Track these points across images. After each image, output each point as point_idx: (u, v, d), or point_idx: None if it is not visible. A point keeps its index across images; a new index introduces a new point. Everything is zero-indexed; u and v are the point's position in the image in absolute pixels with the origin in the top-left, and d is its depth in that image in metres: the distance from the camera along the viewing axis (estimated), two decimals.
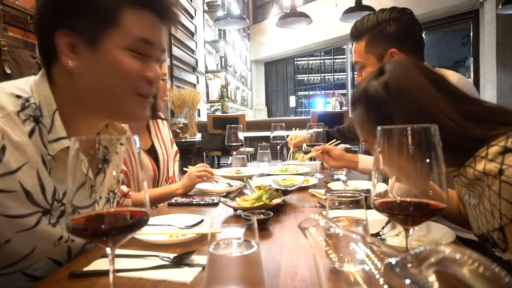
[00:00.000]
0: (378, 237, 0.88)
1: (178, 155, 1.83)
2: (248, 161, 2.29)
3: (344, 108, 9.08)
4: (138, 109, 0.80)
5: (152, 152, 1.66)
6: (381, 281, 0.39)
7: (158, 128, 1.76)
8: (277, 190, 1.22)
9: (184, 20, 5.28)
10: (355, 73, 7.22)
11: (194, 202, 1.32)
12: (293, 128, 2.28)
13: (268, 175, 1.83)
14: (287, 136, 2.24)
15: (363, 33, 1.37)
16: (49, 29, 0.73)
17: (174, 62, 4.86)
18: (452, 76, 1.25)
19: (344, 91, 9.81)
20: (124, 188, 1.39)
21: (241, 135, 1.96)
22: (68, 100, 0.78)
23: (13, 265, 0.74)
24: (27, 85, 0.77)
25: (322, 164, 2.21)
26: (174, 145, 1.81)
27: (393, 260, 0.39)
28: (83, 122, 0.81)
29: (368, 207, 0.63)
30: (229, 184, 1.62)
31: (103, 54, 0.73)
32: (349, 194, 0.68)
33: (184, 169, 1.67)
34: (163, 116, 1.77)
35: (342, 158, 1.63)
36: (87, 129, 0.83)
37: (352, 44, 1.49)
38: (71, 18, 0.72)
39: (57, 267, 0.80)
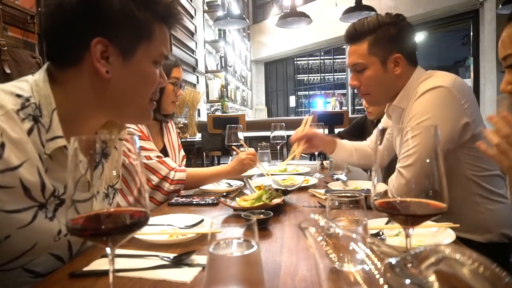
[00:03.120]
0: (378, 237, 0.88)
1: (184, 160, 1.86)
2: None
3: (344, 108, 9.08)
4: (149, 111, 0.88)
5: (163, 153, 1.68)
6: (381, 281, 0.39)
7: (169, 132, 1.81)
8: (277, 190, 1.22)
9: (184, 20, 5.28)
10: None
11: (194, 202, 1.32)
12: (306, 117, 1.77)
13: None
14: (288, 136, 2.15)
15: (365, 34, 1.35)
16: (83, 34, 0.74)
17: None
18: (446, 77, 1.25)
19: (344, 91, 9.81)
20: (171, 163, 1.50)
21: (241, 135, 1.96)
22: (73, 101, 0.79)
23: (14, 260, 0.74)
24: (27, 84, 0.77)
25: (322, 164, 2.21)
26: (182, 150, 1.85)
27: (393, 260, 0.39)
28: (85, 121, 0.83)
29: (368, 207, 0.63)
30: (229, 184, 1.62)
31: (135, 64, 0.79)
32: (349, 194, 0.67)
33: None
34: (167, 120, 1.78)
35: (320, 144, 1.69)
36: (87, 127, 0.84)
37: (348, 46, 1.43)
38: (109, 28, 0.75)
39: (59, 263, 0.80)
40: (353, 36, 1.38)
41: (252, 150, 1.65)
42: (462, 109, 1.20)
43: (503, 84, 0.87)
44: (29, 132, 0.72)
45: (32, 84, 0.77)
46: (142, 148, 1.47)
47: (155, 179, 1.45)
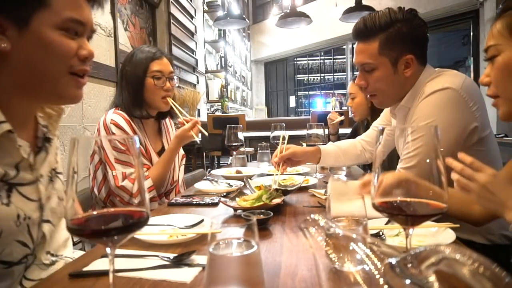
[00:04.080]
0: (378, 237, 0.88)
1: (184, 159, 1.84)
2: (248, 161, 2.29)
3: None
4: (73, 88, 0.81)
5: (162, 154, 1.67)
6: (381, 281, 0.39)
7: (168, 132, 1.80)
8: (277, 190, 1.22)
9: (184, 20, 5.28)
10: (355, 73, 7.20)
11: (194, 202, 1.32)
12: (281, 136, 1.62)
13: (268, 175, 1.83)
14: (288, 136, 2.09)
15: (376, 32, 1.25)
16: None
17: (174, 62, 4.85)
18: (455, 77, 1.20)
19: (344, 91, 9.80)
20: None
21: (241, 135, 1.96)
22: (1, 84, 0.77)
23: None
24: None
25: None
26: (181, 149, 1.82)
27: (393, 260, 0.39)
28: (19, 105, 0.81)
29: None
30: (229, 184, 1.62)
31: (34, 34, 0.74)
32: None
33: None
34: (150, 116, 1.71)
35: (302, 157, 1.63)
36: (23, 112, 0.83)
37: (354, 44, 1.36)
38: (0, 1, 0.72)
39: (26, 249, 0.79)
40: (362, 33, 1.29)
41: (194, 119, 1.64)
42: (470, 112, 1.15)
43: (482, 76, 0.88)
44: None
45: None
46: (119, 162, 1.46)
47: (126, 197, 1.45)
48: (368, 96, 1.38)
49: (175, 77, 1.68)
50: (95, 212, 0.54)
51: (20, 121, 0.81)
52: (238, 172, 1.88)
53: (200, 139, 4.31)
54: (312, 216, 0.50)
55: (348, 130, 2.93)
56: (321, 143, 1.83)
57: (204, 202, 1.31)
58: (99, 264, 0.76)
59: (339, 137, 2.71)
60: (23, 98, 0.80)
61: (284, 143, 1.59)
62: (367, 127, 2.21)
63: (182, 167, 1.83)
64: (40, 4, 0.74)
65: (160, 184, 1.60)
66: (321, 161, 1.69)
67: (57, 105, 0.94)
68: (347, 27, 1.36)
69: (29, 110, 0.85)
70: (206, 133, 1.67)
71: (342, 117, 2.53)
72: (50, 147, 0.89)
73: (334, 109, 9.08)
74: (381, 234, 0.89)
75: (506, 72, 0.81)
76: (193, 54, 5.72)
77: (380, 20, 1.26)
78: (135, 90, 1.59)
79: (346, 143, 1.78)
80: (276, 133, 2.09)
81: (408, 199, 0.60)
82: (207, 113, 6.17)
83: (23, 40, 0.74)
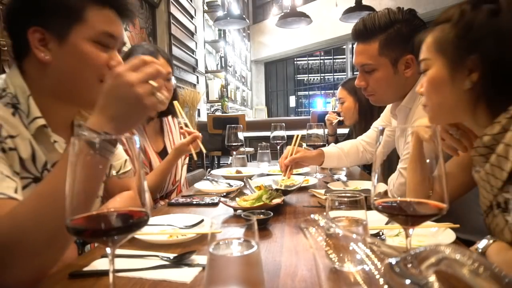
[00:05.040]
0: (378, 237, 0.88)
1: (187, 158, 1.83)
2: (248, 161, 2.29)
3: None
4: None
5: (163, 154, 1.66)
6: (381, 281, 0.39)
7: (171, 131, 1.78)
8: (277, 190, 1.22)
9: (184, 20, 5.28)
10: (355, 73, 7.21)
11: (194, 202, 1.32)
12: (295, 136, 1.68)
13: (268, 175, 1.83)
14: (288, 136, 2.07)
15: (376, 33, 1.26)
16: (22, 26, 0.81)
17: (174, 62, 4.86)
18: None
19: None
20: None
21: (241, 135, 1.96)
22: (40, 90, 0.85)
23: None
24: (1, 79, 0.85)
25: None
26: None
27: (393, 260, 0.39)
28: (57, 110, 0.89)
29: (368, 208, 0.63)
30: (229, 184, 1.62)
31: (71, 46, 0.82)
32: (349, 194, 0.67)
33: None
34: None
35: (307, 161, 1.67)
36: (61, 115, 0.91)
37: (353, 44, 1.36)
38: (41, 16, 0.81)
39: None
40: (362, 34, 1.29)
41: (195, 133, 1.63)
42: None
43: (418, 86, 0.92)
44: (13, 115, 0.79)
45: (5, 78, 0.84)
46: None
47: None
48: (366, 95, 1.39)
49: (172, 78, 1.64)
50: (95, 212, 0.54)
51: (59, 124, 0.89)
52: (238, 172, 1.88)
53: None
54: (312, 216, 0.50)
55: (346, 130, 2.93)
56: (321, 143, 1.83)
57: (204, 202, 1.31)
58: (99, 264, 0.76)
59: (337, 138, 2.71)
60: (61, 103, 0.89)
61: (296, 144, 1.62)
62: (361, 129, 2.22)
63: (185, 166, 1.82)
64: (78, 19, 0.82)
65: (153, 192, 1.59)
66: (325, 163, 1.71)
67: (90, 110, 0.98)
68: (347, 27, 1.36)
69: (67, 114, 0.93)
70: (204, 151, 1.65)
71: (341, 118, 2.53)
72: None
73: (334, 109, 9.08)
74: (381, 234, 0.89)
75: (431, 86, 0.85)
76: (193, 54, 5.73)
77: (380, 21, 1.26)
78: None
79: (347, 144, 1.79)
80: (276, 133, 2.09)
81: (408, 199, 0.60)
82: (207, 113, 6.17)
83: (62, 51, 0.82)
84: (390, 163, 1.44)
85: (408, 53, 1.25)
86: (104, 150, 0.57)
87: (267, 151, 2.18)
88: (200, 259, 0.77)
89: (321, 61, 10.84)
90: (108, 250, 0.49)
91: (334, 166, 1.77)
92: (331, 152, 1.72)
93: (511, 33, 0.75)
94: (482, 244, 0.77)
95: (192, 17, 5.72)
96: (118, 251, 0.79)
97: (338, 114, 2.60)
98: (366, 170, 2.19)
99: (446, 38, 0.81)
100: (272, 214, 1.00)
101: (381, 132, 0.64)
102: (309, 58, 10.92)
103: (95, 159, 0.53)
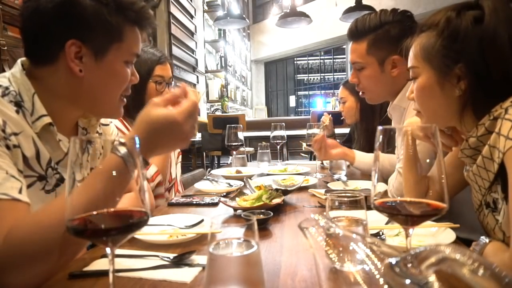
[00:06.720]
0: (378, 237, 0.88)
1: (180, 156, 1.84)
2: (248, 161, 2.29)
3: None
4: (120, 108, 0.94)
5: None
6: (381, 281, 0.39)
7: None
8: (277, 190, 1.22)
9: (184, 20, 5.28)
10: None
11: (194, 202, 1.32)
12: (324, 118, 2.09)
13: (268, 175, 1.83)
14: (287, 136, 2.13)
15: (365, 33, 1.34)
16: (58, 37, 0.80)
17: (174, 62, 4.86)
18: None
19: None
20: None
21: (241, 135, 1.96)
22: (49, 92, 0.84)
23: None
24: (4, 77, 0.83)
25: (322, 163, 2.21)
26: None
27: (393, 260, 0.39)
28: (63, 111, 0.88)
29: (368, 208, 0.63)
30: (229, 184, 1.62)
31: (107, 64, 0.84)
32: (349, 194, 0.67)
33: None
34: None
35: (338, 146, 1.73)
36: (66, 117, 0.91)
37: (350, 43, 1.46)
38: (83, 31, 0.81)
39: None
40: (354, 33, 1.39)
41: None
42: None
43: (408, 92, 0.95)
44: (17, 113, 0.79)
45: (9, 76, 0.83)
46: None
47: None
48: (360, 93, 1.47)
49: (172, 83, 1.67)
50: (95, 212, 0.54)
51: (63, 124, 0.89)
52: (238, 172, 1.88)
53: (200, 139, 4.31)
54: (312, 216, 0.50)
55: (346, 130, 2.92)
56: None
57: (204, 202, 1.31)
58: (99, 264, 0.76)
59: (336, 139, 2.71)
60: (69, 106, 0.88)
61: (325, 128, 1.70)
62: (362, 129, 2.23)
63: (179, 165, 1.82)
64: (118, 39, 0.84)
65: (164, 171, 1.57)
66: (356, 159, 1.76)
67: (100, 118, 1.02)
68: (347, 27, 1.36)
69: (73, 116, 0.94)
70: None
71: (329, 116, 2.56)
72: (91, 148, 0.90)
73: (334, 109, 9.08)
74: (381, 234, 0.89)
75: (421, 94, 0.87)
76: (193, 54, 5.73)
77: (370, 22, 1.34)
78: (137, 93, 1.58)
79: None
80: (276, 133, 2.09)
81: (408, 199, 0.60)
82: (207, 113, 6.17)
83: (97, 67, 0.83)
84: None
85: (395, 54, 1.31)
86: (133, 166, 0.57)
87: (267, 151, 2.17)
88: (200, 259, 0.77)
89: (321, 60, 10.84)
90: (108, 250, 0.49)
91: (363, 162, 1.78)
92: (362, 154, 1.77)
93: (494, 40, 0.76)
94: (478, 246, 0.78)
95: (192, 16, 5.72)
96: (118, 251, 0.79)
97: (340, 114, 2.60)
98: None
99: (433, 46, 0.82)
100: (272, 214, 1.00)
101: (381, 132, 0.64)
102: (309, 58, 10.93)
103: (127, 177, 0.59)
